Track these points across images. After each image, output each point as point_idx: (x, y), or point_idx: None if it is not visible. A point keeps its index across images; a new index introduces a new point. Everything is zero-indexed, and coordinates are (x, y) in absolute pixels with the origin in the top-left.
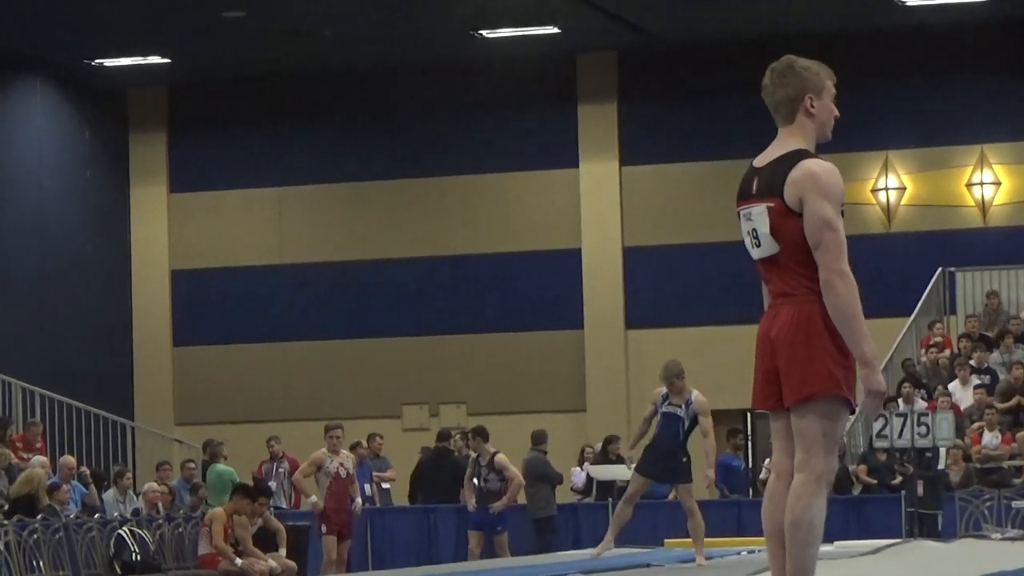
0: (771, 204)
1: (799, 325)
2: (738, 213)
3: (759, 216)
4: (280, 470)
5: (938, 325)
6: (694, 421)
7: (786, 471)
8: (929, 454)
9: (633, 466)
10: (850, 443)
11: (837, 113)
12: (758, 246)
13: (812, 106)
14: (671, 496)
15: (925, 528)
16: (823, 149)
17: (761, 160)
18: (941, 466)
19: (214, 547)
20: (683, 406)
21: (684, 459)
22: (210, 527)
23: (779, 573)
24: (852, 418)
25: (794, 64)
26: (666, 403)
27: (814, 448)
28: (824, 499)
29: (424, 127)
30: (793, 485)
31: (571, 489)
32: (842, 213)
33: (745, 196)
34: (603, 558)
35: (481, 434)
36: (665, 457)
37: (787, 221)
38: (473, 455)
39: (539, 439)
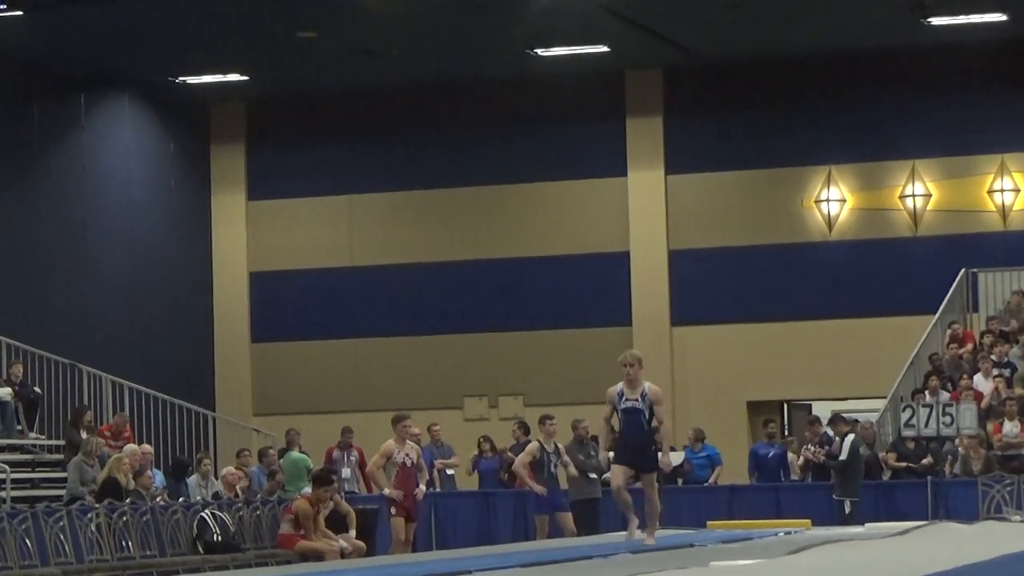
0: None
1: None
2: None
3: None
4: (351, 459)
5: (956, 324)
6: (651, 410)
7: None
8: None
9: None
10: (880, 432)
11: None
12: None
13: None
14: (710, 481)
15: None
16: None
17: None
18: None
19: (308, 539)
20: (640, 399)
21: (653, 448)
22: (297, 516)
23: None
24: (882, 410)
25: None
26: (623, 400)
27: None
28: None
29: (484, 139)
30: None
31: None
32: None
33: None
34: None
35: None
36: (639, 448)
37: None
38: (537, 443)
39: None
